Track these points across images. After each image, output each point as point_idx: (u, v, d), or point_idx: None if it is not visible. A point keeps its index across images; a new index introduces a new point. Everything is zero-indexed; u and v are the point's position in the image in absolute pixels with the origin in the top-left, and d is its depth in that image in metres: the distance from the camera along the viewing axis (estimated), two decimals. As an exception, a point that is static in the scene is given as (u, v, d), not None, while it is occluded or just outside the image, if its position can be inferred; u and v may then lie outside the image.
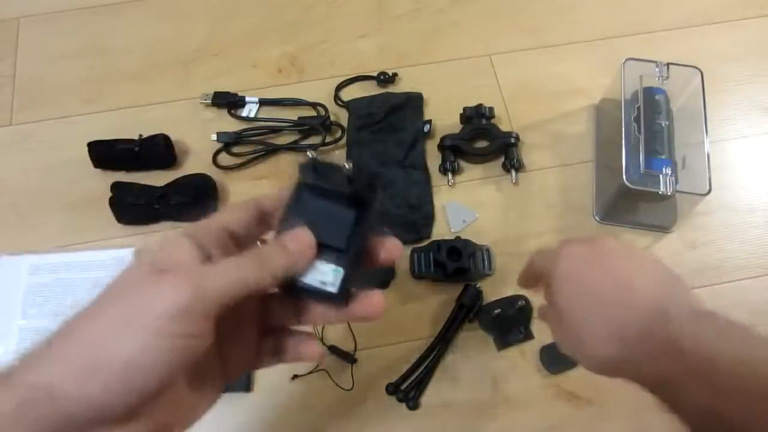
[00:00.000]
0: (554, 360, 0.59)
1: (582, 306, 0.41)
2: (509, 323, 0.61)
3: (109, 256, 0.64)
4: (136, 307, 0.29)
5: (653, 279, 0.40)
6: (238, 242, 0.35)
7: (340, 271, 0.33)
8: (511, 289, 0.63)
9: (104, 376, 0.28)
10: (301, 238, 0.33)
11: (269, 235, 0.36)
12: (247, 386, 0.58)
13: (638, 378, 0.38)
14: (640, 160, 0.61)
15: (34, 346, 0.29)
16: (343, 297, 0.33)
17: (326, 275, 0.33)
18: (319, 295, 0.33)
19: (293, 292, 0.34)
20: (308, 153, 0.33)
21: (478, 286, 0.62)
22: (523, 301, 0.61)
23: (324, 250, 0.33)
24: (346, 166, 0.32)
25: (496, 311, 0.60)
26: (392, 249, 0.35)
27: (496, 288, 0.64)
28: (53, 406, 0.27)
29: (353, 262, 0.33)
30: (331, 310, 0.35)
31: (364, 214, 0.33)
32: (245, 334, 0.36)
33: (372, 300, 0.35)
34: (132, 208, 0.65)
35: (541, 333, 0.61)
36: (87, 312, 0.30)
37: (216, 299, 0.30)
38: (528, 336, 0.61)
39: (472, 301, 0.62)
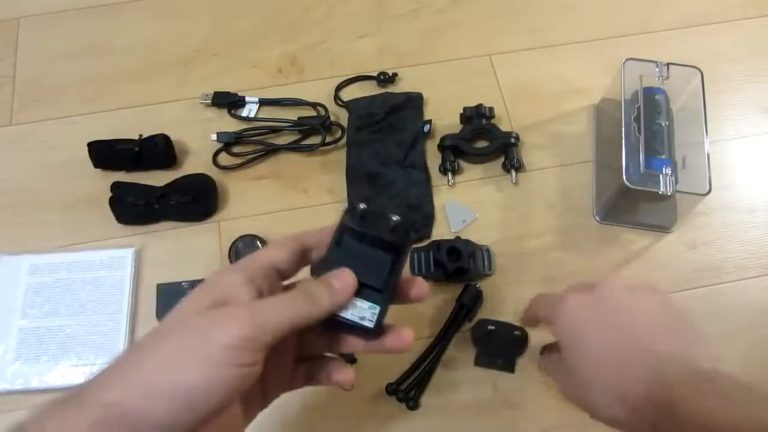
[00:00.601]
0: None
1: (585, 366, 0.41)
2: (497, 346, 0.60)
3: (109, 256, 0.64)
4: (199, 338, 0.32)
5: (656, 334, 0.40)
6: (281, 276, 0.39)
7: (377, 309, 0.37)
8: (511, 289, 0.63)
9: (170, 399, 0.31)
10: (346, 277, 0.37)
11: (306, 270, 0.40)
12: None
13: None
14: (640, 160, 0.61)
15: (102, 369, 0.32)
16: (378, 332, 0.38)
17: (364, 311, 0.37)
18: (356, 328, 0.37)
19: (332, 325, 0.37)
20: (359, 205, 0.38)
21: (478, 286, 0.62)
22: (519, 332, 0.60)
23: (363, 288, 0.37)
24: (393, 218, 0.38)
25: (489, 327, 0.60)
26: (421, 288, 0.40)
27: (496, 288, 0.64)
28: (123, 426, 0.30)
29: (388, 300, 0.38)
30: (363, 342, 0.39)
31: (399, 258, 0.38)
32: (283, 360, 0.40)
33: (402, 335, 0.39)
34: (132, 208, 0.65)
35: (522, 370, 0.60)
36: (152, 340, 0.33)
37: (271, 332, 0.33)
38: (506, 367, 0.59)
39: (472, 301, 0.61)
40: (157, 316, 0.61)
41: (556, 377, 0.49)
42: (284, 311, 0.35)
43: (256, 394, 0.39)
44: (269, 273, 0.37)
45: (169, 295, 0.62)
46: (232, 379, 0.32)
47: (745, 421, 0.34)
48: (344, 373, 0.41)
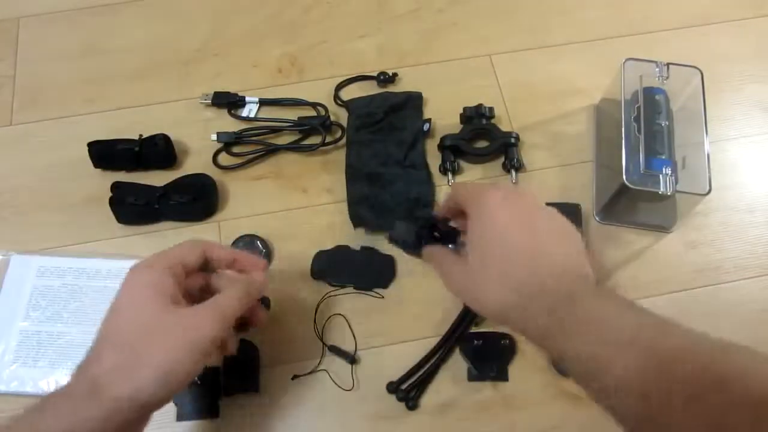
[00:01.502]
0: None
1: (491, 251, 0.44)
2: (487, 358, 0.60)
3: (117, 267, 0.63)
4: (191, 336, 0.43)
5: (565, 243, 0.44)
6: (186, 271, 0.48)
7: None
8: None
9: (174, 386, 0.42)
10: (262, 272, 0.52)
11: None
12: (257, 387, 0.58)
13: (526, 328, 0.42)
14: (640, 160, 0.61)
15: (103, 366, 0.41)
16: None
17: None
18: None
19: None
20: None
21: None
22: (507, 341, 0.60)
23: None
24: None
25: (476, 341, 0.60)
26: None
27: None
28: (135, 411, 0.41)
29: None
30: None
31: None
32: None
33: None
34: (132, 208, 0.65)
35: (522, 370, 0.60)
36: (145, 339, 0.42)
37: (231, 323, 0.46)
38: (500, 377, 0.59)
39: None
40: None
41: (444, 268, 0.49)
42: (238, 309, 0.46)
43: None
44: (180, 269, 0.47)
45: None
46: (200, 370, 0.44)
47: (630, 314, 0.39)
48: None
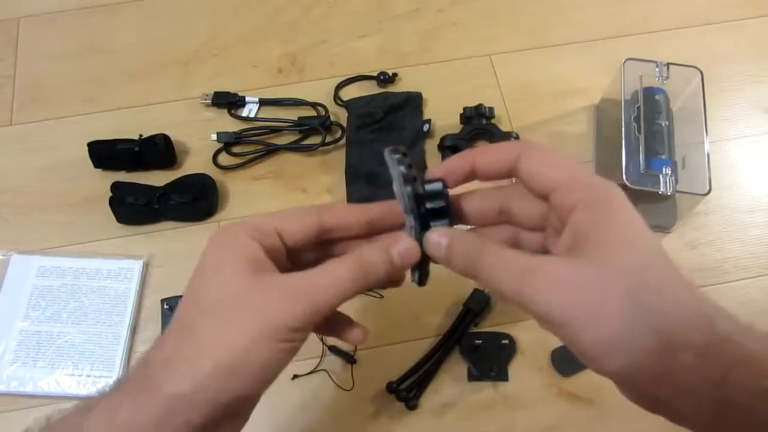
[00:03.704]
0: (566, 362, 0.59)
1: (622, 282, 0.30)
2: (486, 358, 0.60)
3: (117, 266, 0.63)
4: (262, 322, 0.32)
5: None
6: (285, 246, 0.36)
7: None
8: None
9: (247, 381, 0.32)
10: (409, 249, 0.34)
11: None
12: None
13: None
14: (640, 160, 0.61)
15: (161, 353, 0.32)
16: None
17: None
18: None
19: None
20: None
21: (486, 291, 0.62)
22: (507, 341, 0.60)
23: None
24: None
25: (476, 341, 0.60)
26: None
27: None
28: (201, 413, 0.31)
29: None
30: None
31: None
32: None
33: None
34: (132, 207, 0.65)
35: (522, 370, 0.60)
36: (207, 320, 0.32)
37: (326, 311, 0.33)
38: (500, 377, 0.59)
39: (480, 305, 0.61)
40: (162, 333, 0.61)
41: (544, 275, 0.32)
42: (342, 291, 0.33)
43: None
44: (274, 238, 0.35)
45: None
46: (290, 353, 0.33)
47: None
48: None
